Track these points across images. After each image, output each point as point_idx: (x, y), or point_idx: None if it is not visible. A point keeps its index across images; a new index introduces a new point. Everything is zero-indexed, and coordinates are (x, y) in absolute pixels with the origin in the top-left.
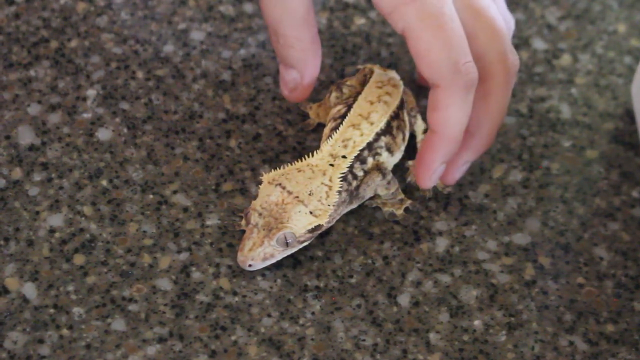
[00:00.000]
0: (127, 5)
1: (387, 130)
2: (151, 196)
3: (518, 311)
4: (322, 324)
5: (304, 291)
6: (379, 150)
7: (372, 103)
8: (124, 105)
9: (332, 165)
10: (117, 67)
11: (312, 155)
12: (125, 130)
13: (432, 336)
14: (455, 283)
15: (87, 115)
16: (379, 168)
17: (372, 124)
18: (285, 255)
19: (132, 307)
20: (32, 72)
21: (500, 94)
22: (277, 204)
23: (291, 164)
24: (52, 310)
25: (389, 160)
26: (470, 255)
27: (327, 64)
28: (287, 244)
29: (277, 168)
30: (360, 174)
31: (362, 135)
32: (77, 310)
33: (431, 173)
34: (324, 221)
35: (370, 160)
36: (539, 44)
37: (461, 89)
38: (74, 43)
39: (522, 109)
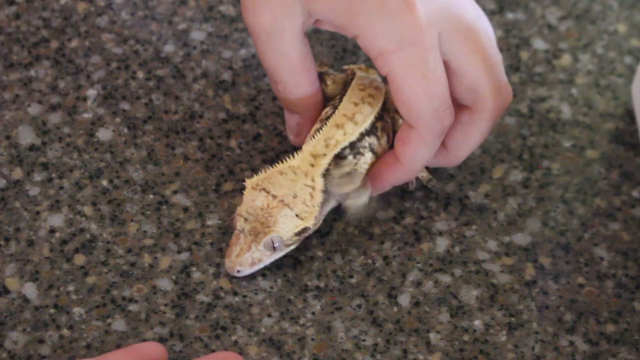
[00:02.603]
0: (127, 5)
1: (371, 131)
2: (151, 196)
3: (518, 311)
4: (323, 324)
5: (304, 291)
6: (361, 151)
7: (356, 104)
8: (125, 105)
9: (312, 165)
10: (118, 67)
11: (294, 157)
12: (125, 130)
13: (433, 336)
14: (456, 283)
15: (87, 115)
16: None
17: (356, 124)
18: (273, 259)
19: (132, 307)
20: (32, 72)
21: (485, 124)
22: (263, 208)
23: (272, 167)
24: (52, 310)
25: (372, 160)
26: (471, 255)
27: (327, 64)
28: (274, 248)
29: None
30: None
31: (345, 134)
32: (77, 310)
33: (383, 188)
34: (311, 223)
35: (350, 159)
36: (539, 44)
37: (435, 133)
38: (74, 43)
39: (522, 109)
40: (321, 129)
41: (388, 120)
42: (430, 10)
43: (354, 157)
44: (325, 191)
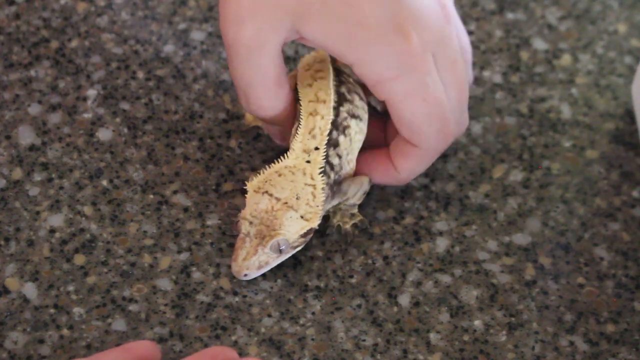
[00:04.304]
0: (127, 5)
1: (341, 100)
2: (151, 196)
3: (518, 311)
4: (323, 324)
5: (304, 291)
6: (345, 123)
7: (311, 85)
8: (125, 105)
9: (308, 162)
10: (118, 67)
11: (287, 156)
12: (125, 130)
13: (433, 336)
14: (456, 283)
15: (87, 115)
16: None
17: (324, 102)
18: (279, 261)
19: (132, 307)
20: (32, 72)
21: (424, 161)
22: (267, 211)
23: (269, 167)
24: (52, 311)
25: (362, 127)
26: (471, 255)
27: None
28: (280, 251)
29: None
30: (335, 161)
31: (322, 118)
32: (77, 310)
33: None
34: (316, 224)
35: (342, 139)
36: (539, 44)
37: (437, 152)
38: (74, 43)
39: (522, 109)
40: (300, 124)
41: (350, 81)
42: (424, 36)
43: (344, 135)
44: (330, 187)
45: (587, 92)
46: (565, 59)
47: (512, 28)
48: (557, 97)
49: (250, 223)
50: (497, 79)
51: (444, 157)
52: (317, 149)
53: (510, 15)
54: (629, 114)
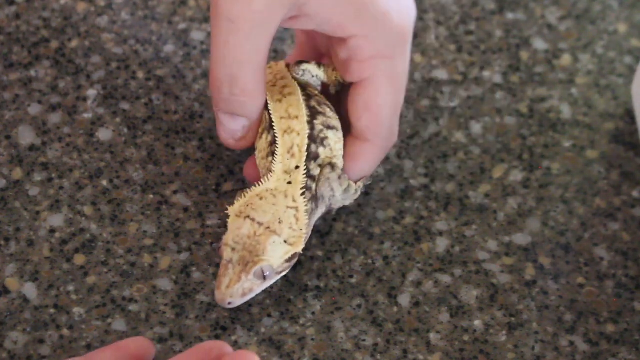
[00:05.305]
0: (127, 5)
1: (313, 113)
2: (151, 196)
3: (518, 311)
4: (323, 324)
5: (304, 291)
6: (322, 135)
7: (281, 101)
8: (125, 105)
9: (289, 183)
10: (118, 67)
11: (268, 179)
12: (125, 130)
13: (433, 336)
14: (456, 283)
15: (87, 115)
16: (329, 163)
17: (297, 117)
18: (263, 288)
19: (132, 307)
20: (32, 72)
21: (373, 159)
22: (250, 236)
23: (249, 190)
24: (52, 311)
25: (340, 136)
26: (471, 255)
27: None
28: (264, 277)
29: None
30: (316, 172)
31: (299, 134)
32: (77, 310)
33: None
34: (300, 248)
35: (321, 151)
36: (539, 44)
37: (387, 148)
38: (74, 43)
39: (522, 109)
40: (276, 145)
41: (316, 93)
42: (412, 24)
43: (323, 147)
44: (313, 199)
45: (587, 92)
46: (565, 59)
47: (512, 28)
48: (557, 97)
49: (233, 249)
50: (497, 79)
51: (444, 157)
52: (297, 167)
53: (510, 15)
54: (629, 114)
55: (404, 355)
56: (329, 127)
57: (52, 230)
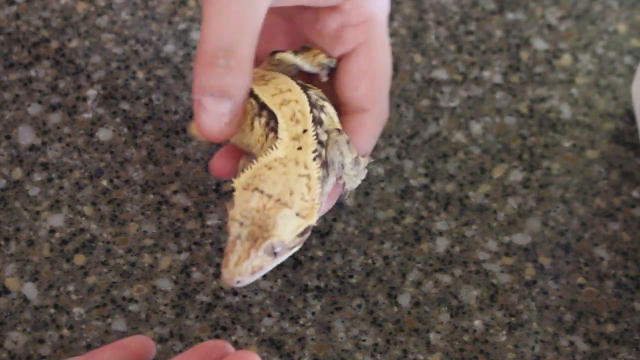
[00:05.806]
0: (127, 5)
1: (305, 88)
2: (151, 196)
3: (518, 311)
4: (323, 324)
5: (304, 291)
6: (320, 103)
7: (266, 84)
8: (125, 105)
9: (299, 148)
10: (118, 67)
11: (275, 147)
12: (125, 130)
13: (433, 336)
14: (456, 283)
15: (87, 115)
16: (336, 128)
17: (290, 90)
18: (274, 265)
19: (132, 307)
20: (32, 72)
21: (375, 129)
22: (259, 210)
23: (256, 161)
24: (52, 311)
25: (334, 110)
26: (471, 255)
27: None
28: (275, 254)
29: None
30: (324, 138)
31: (297, 102)
32: (77, 310)
33: None
34: (314, 220)
35: (324, 117)
36: (539, 44)
37: (385, 118)
38: (74, 43)
39: (522, 109)
40: (269, 125)
41: (297, 79)
42: None
43: (324, 113)
44: (324, 166)
45: (587, 92)
46: (565, 59)
47: (512, 28)
48: (557, 97)
49: (241, 224)
50: (497, 79)
51: (444, 157)
52: (305, 131)
53: (510, 15)
54: (629, 114)
55: (404, 355)
56: (324, 99)
57: (52, 230)
